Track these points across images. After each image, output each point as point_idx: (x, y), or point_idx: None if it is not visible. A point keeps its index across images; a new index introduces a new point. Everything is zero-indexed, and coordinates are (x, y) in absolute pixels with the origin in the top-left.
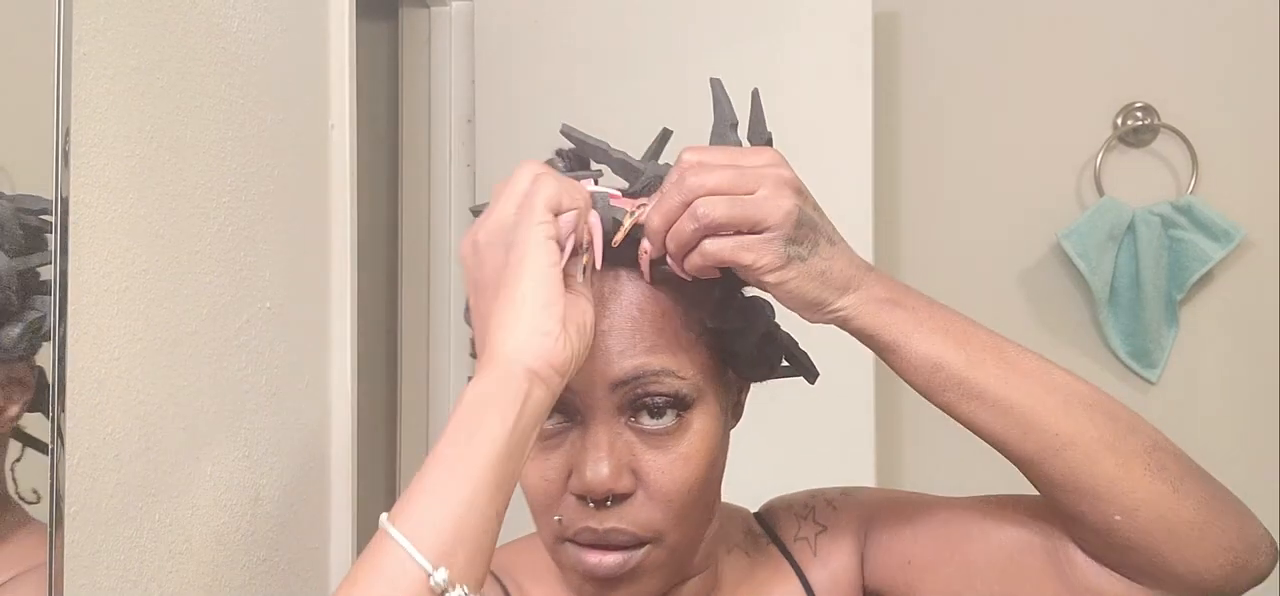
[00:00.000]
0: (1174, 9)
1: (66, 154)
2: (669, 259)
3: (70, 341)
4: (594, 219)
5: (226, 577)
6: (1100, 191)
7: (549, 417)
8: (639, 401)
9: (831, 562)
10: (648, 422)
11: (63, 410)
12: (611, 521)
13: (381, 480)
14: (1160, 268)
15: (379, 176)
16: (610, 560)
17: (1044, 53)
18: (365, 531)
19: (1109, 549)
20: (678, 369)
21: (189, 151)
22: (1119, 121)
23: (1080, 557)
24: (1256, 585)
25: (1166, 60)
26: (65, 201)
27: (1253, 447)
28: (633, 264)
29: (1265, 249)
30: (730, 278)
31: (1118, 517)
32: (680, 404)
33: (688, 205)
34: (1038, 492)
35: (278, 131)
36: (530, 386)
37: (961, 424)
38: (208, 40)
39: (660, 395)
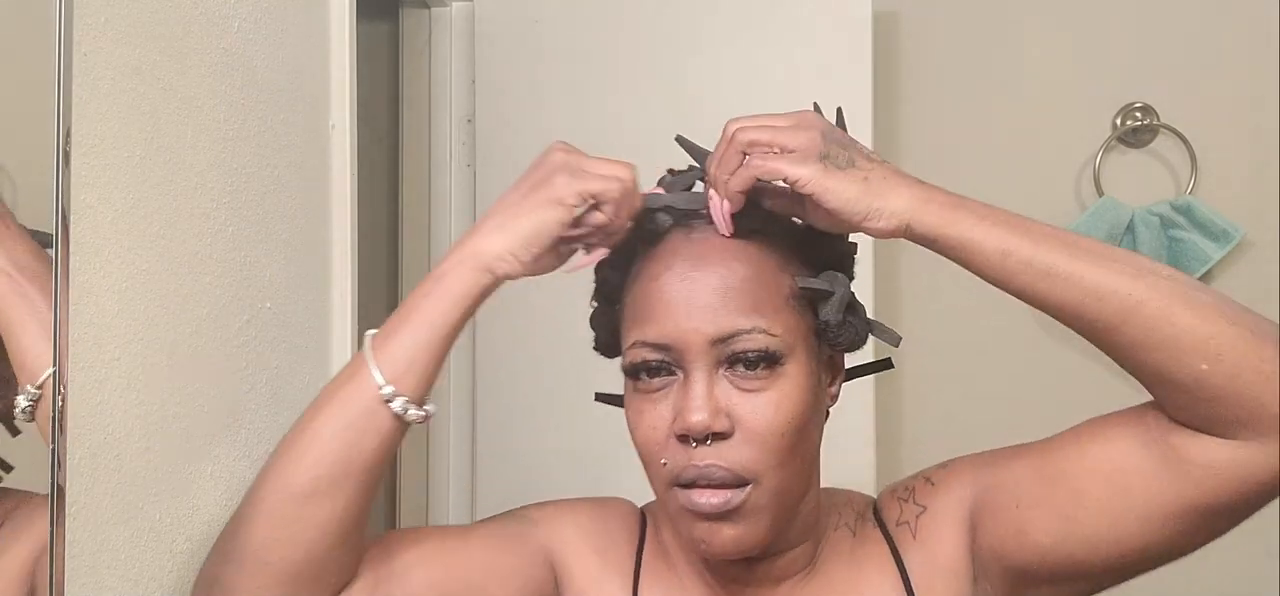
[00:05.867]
0: (1174, 9)
1: (66, 154)
2: (719, 190)
3: (71, 341)
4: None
5: None
6: (1100, 191)
7: (654, 376)
8: (735, 355)
9: (932, 543)
10: (743, 372)
11: (64, 410)
12: (711, 458)
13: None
14: None
15: (379, 176)
16: (716, 498)
17: (1044, 53)
18: None
19: (1202, 404)
20: (768, 327)
21: (189, 151)
22: (1118, 121)
23: (1179, 436)
24: None
25: (1166, 60)
26: (65, 201)
27: None
28: (724, 232)
29: (1265, 249)
30: (810, 241)
31: (1204, 366)
32: (771, 358)
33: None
34: (1123, 365)
35: (278, 131)
36: (489, 281)
37: (1039, 306)
38: (208, 40)
39: (752, 350)
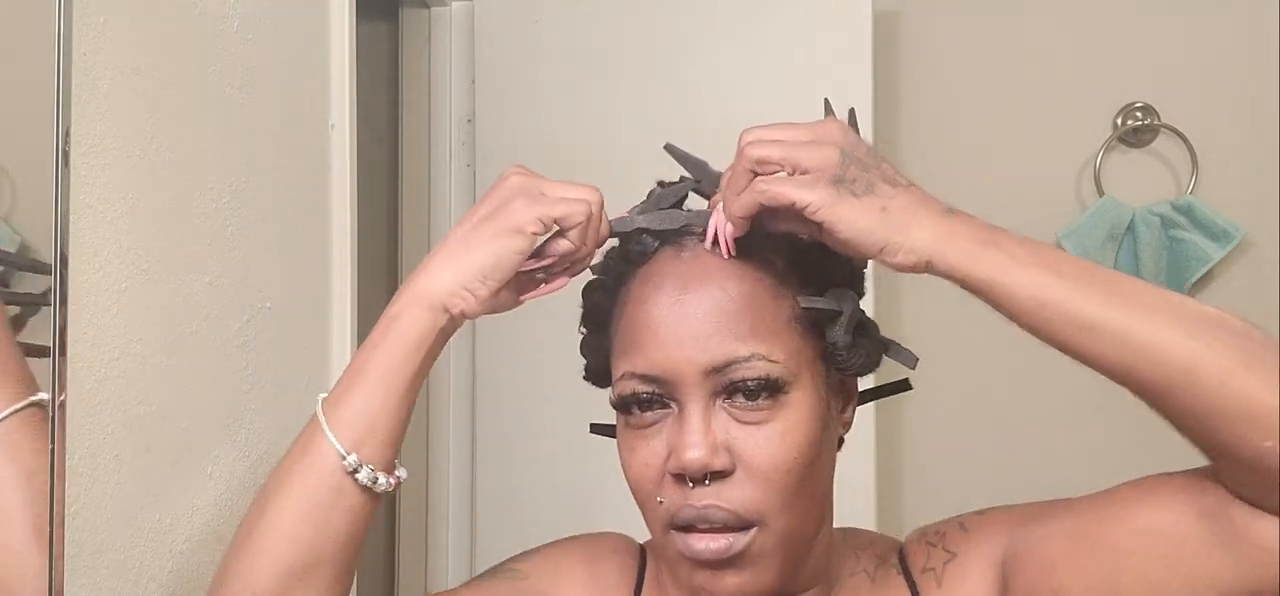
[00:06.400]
0: (1174, 9)
1: (66, 154)
2: (726, 209)
3: (70, 341)
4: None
5: None
6: (1100, 191)
7: (646, 409)
8: (733, 385)
9: (957, 593)
10: (742, 402)
11: (63, 410)
12: (710, 498)
13: None
14: (1160, 268)
15: (379, 176)
16: (716, 543)
17: (1044, 53)
18: None
19: (1264, 484)
20: (768, 353)
21: (189, 151)
22: (1119, 121)
23: (1241, 515)
24: None
25: (1166, 60)
26: (65, 201)
27: None
28: (722, 254)
29: (1265, 249)
30: (815, 257)
31: (1268, 443)
32: (774, 387)
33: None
34: (1180, 432)
35: (278, 131)
36: (445, 321)
37: (1082, 361)
38: (208, 40)
39: (752, 378)
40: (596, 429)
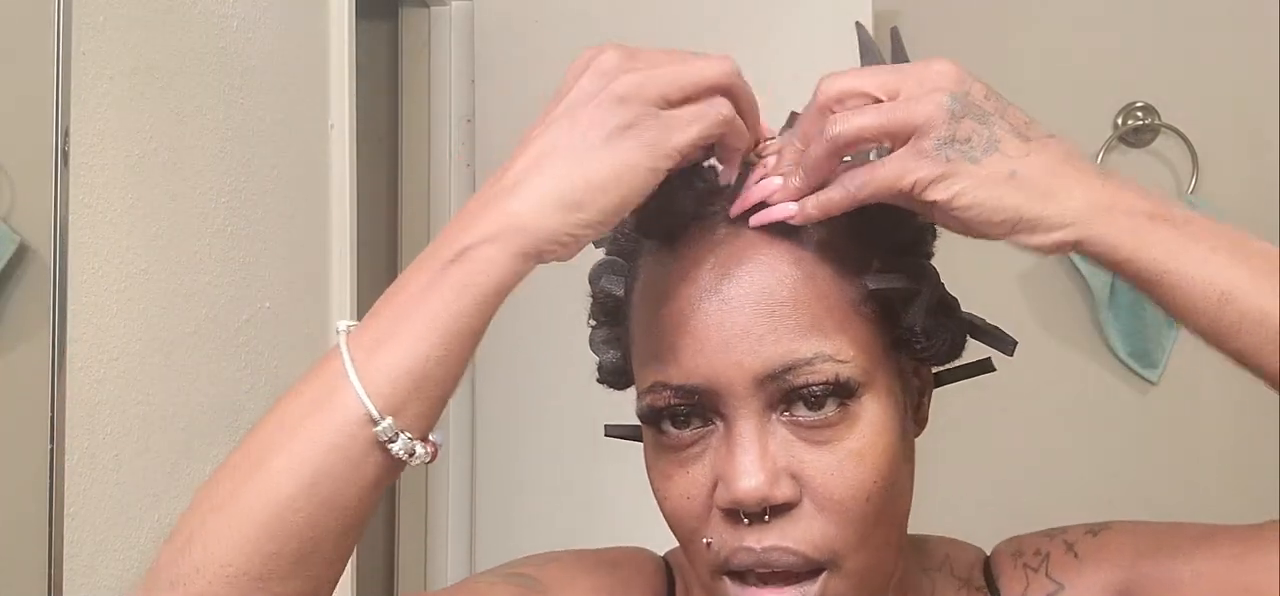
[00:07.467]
0: (1174, 9)
1: (66, 154)
2: (798, 194)
3: (70, 341)
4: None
5: None
6: None
7: (683, 426)
8: (793, 392)
9: None
10: (804, 415)
11: (63, 410)
12: (772, 538)
13: None
14: None
15: (379, 176)
16: None
17: (1044, 53)
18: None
19: None
20: (836, 351)
21: (189, 151)
22: (1119, 121)
23: None
24: None
25: (1166, 60)
26: (65, 201)
27: (1252, 448)
28: (772, 227)
29: None
30: (877, 218)
31: None
32: (844, 391)
33: (821, 126)
34: None
35: (278, 131)
36: (530, 269)
37: (1262, 377)
38: (208, 40)
39: (817, 384)
40: (613, 431)
